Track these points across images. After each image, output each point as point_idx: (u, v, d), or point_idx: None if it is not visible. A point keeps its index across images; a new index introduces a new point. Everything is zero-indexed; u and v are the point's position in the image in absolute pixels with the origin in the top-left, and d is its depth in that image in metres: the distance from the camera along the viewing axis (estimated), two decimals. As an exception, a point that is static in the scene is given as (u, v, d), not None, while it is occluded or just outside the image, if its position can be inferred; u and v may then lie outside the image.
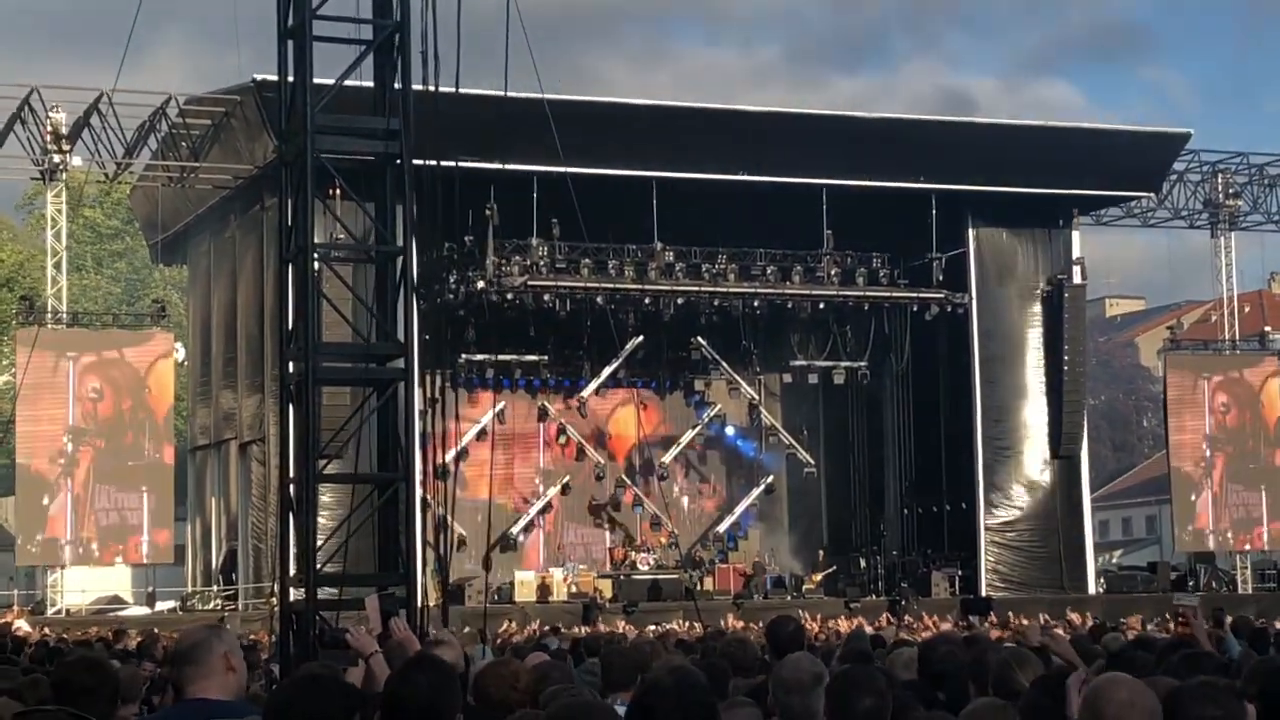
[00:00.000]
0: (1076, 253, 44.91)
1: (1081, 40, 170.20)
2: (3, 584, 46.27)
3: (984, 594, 41.95)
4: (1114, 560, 66.36)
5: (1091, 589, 44.29)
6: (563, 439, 46.73)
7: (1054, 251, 44.77)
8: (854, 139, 42.08)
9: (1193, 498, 48.43)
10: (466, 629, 26.14)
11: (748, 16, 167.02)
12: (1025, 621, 23.99)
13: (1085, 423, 45.37)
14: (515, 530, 45.63)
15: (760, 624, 25.25)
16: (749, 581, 43.51)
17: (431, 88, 15.87)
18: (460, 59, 15.36)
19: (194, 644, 7.04)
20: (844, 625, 28.88)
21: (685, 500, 48.09)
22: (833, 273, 43.16)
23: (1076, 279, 44.49)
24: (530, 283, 40.45)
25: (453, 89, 15.16)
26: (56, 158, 42.20)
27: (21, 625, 31.11)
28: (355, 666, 8.94)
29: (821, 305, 43.80)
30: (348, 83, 17.96)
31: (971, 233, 44.09)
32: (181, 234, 46.85)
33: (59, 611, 41.18)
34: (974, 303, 43.85)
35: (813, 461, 47.86)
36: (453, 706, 6.18)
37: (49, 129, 41.79)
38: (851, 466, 48.46)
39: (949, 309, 43.65)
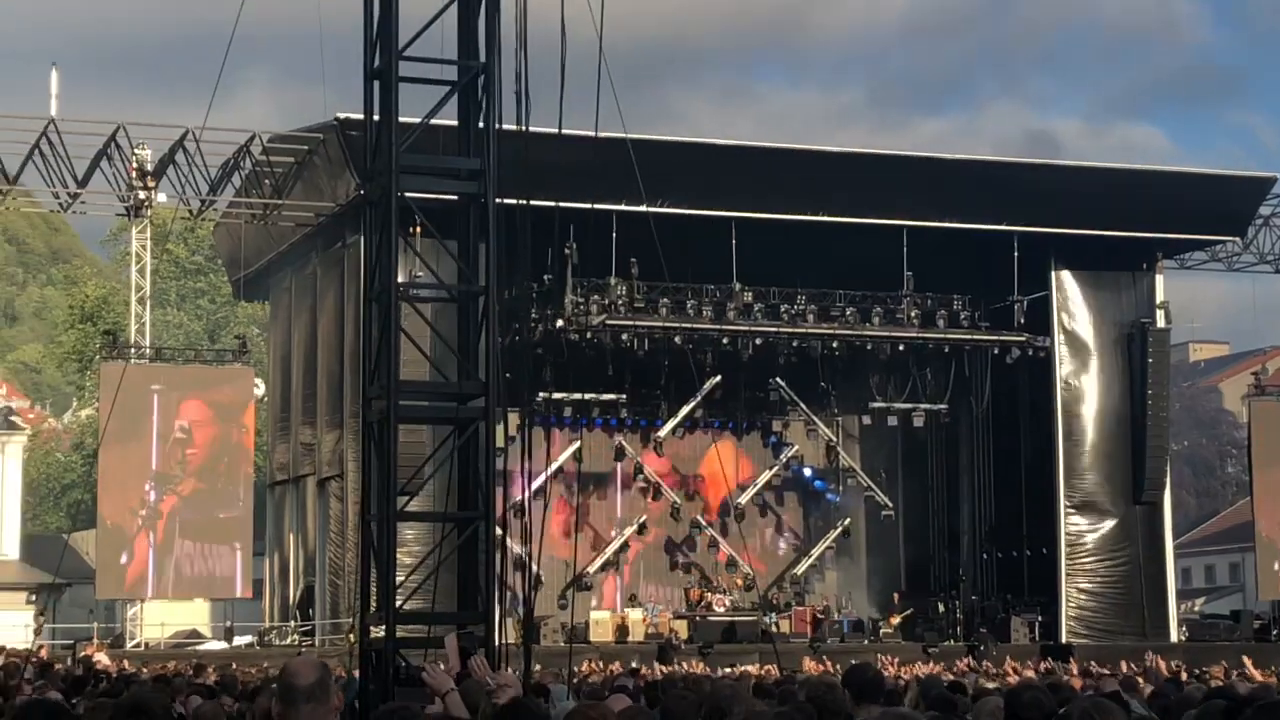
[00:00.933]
0: (1160, 297, 44.54)
1: (1168, 83, 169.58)
2: (83, 617, 46.64)
3: (1064, 640, 41.54)
4: (1197, 608, 65.58)
5: (1174, 637, 43.75)
6: (639, 479, 46.66)
7: (1137, 295, 44.39)
8: (935, 180, 41.90)
9: (1278, 546, 47.80)
10: (539, 667, 26.05)
11: (831, 58, 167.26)
12: (1106, 671, 23.61)
13: (1168, 468, 44.91)
14: (592, 569, 45.54)
15: (838, 667, 25.04)
16: (818, 625, 43.13)
17: (518, 127, 15.87)
18: (562, 99, 15.37)
19: (316, 681, 7.01)
20: (922, 670, 28.57)
21: (762, 542, 47.91)
22: (913, 314, 42.94)
23: (1160, 323, 44.13)
24: (608, 322, 40.46)
25: (554, 130, 15.17)
26: (142, 194, 42.59)
27: (101, 658, 31.22)
28: (432, 704, 8.89)
29: (901, 347, 43.54)
30: (432, 121, 18.00)
31: (1054, 275, 43.77)
32: (263, 270, 47.22)
33: (138, 645, 41.41)
34: (1056, 346, 43.53)
35: (890, 504, 47.60)
36: None
37: (134, 165, 42.20)
38: (930, 510, 48.15)
39: (1030, 352, 43.35)
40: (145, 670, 26.90)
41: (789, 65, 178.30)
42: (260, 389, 49.94)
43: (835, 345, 43.07)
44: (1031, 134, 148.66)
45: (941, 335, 43.64)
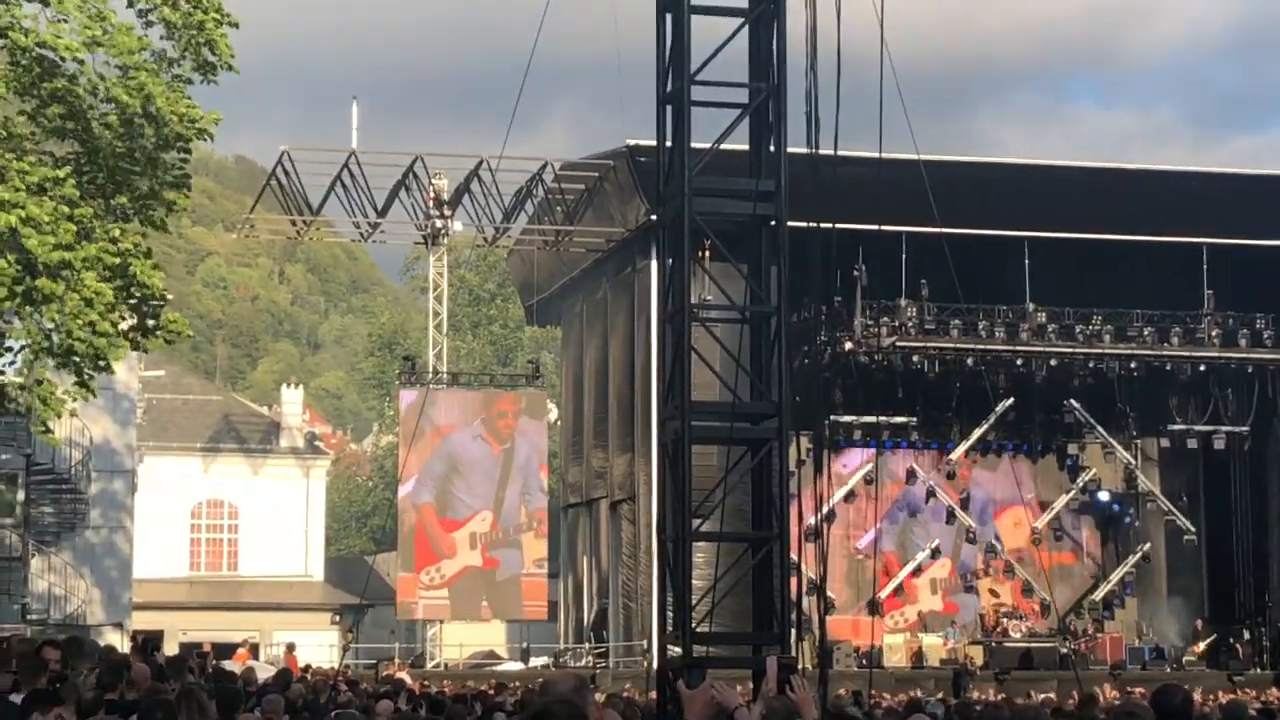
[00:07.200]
0: None
1: None
2: (384, 637, 47.82)
3: (1380, 670, 39.90)
4: None
5: None
6: (931, 502, 46.18)
7: None
8: (1236, 197, 40.79)
9: None
10: (842, 691, 25.96)
11: (1147, 77, 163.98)
12: None
13: None
14: (883, 594, 45.18)
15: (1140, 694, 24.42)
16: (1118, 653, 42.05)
17: (810, 149, 15.87)
18: (839, 120, 15.31)
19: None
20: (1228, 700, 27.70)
21: (1059, 567, 47.00)
22: (1214, 334, 41.80)
23: None
24: (899, 343, 40.20)
25: (843, 152, 15.13)
26: (439, 223, 43.66)
27: (404, 679, 32.00)
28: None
29: (1202, 367, 42.44)
30: (721, 146, 18.10)
31: (1361, 292, 42.14)
32: (556, 295, 48.01)
33: (438, 665, 42.30)
34: (1365, 365, 41.90)
35: (1193, 528, 46.30)
36: None
37: (432, 195, 43.28)
38: (1234, 534, 46.63)
39: (1338, 371, 41.85)
40: (447, 690, 27.53)
41: (1103, 86, 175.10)
42: (554, 413, 50.72)
43: (1133, 365, 42.18)
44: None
45: (1244, 355, 42.42)
